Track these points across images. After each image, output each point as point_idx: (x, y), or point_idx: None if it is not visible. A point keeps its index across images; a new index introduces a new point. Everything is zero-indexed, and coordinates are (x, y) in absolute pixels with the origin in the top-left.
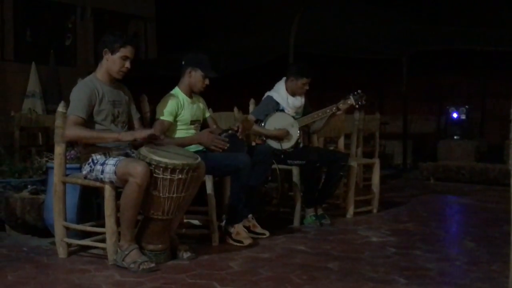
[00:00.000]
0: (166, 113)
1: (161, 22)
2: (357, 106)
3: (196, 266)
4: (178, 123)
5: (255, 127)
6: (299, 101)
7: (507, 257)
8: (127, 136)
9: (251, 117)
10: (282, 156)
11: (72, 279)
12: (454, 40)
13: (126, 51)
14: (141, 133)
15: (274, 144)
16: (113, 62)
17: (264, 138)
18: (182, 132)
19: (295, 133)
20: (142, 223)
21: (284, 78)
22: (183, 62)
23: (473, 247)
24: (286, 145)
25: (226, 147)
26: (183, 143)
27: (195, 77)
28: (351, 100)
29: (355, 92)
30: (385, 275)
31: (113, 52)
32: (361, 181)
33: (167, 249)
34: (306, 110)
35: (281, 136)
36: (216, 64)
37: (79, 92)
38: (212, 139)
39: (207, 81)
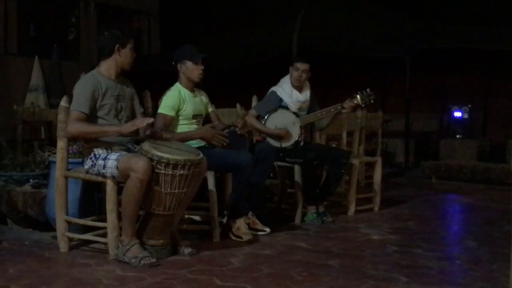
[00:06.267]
0: (167, 107)
1: (165, 18)
2: (363, 105)
3: (197, 262)
4: (180, 118)
5: (256, 124)
6: (304, 96)
7: (508, 257)
8: (128, 127)
9: (252, 111)
10: (281, 154)
11: (73, 273)
12: (457, 38)
13: (133, 41)
14: (142, 121)
15: (273, 141)
16: (126, 55)
17: (264, 135)
18: (184, 126)
19: (296, 131)
20: (144, 218)
21: (289, 74)
22: (173, 63)
23: (474, 246)
24: (286, 143)
25: (226, 143)
26: (185, 138)
27: (187, 68)
28: (357, 100)
29: (364, 91)
30: (385, 273)
31: (124, 46)
32: (363, 179)
33: (168, 244)
34: (312, 105)
35: (281, 136)
36: (218, 60)
37: (82, 88)
38: (214, 134)
39: (201, 66)
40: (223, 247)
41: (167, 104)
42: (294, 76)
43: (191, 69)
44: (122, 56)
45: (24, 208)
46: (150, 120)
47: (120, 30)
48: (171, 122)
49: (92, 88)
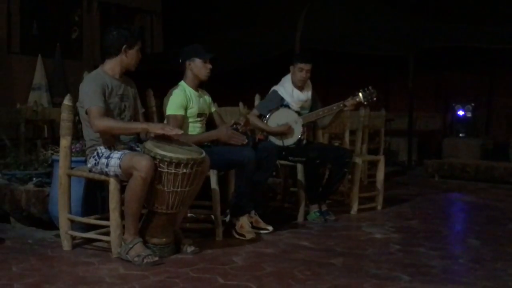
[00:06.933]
0: (177, 107)
1: (168, 16)
2: (365, 103)
3: (199, 260)
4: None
5: (257, 123)
6: (305, 95)
7: (511, 255)
8: (157, 128)
9: (254, 111)
10: (283, 153)
11: (76, 271)
12: (460, 37)
13: (140, 43)
14: (172, 131)
15: (275, 140)
16: (132, 56)
17: (266, 134)
18: (188, 125)
19: (298, 129)
20: (146, 216)
21: (290, 73)
22: (180, 60)
23: (477, 245)
24: (288, 141)
25: (245, 142)
26: (201, 140)
27: (195, 66)
28: (359, 98)
29: (366, 89)
30: (388, 271)
31: (131, 47)
32: (366, 178)
33: (171, 243)
34: (314, 104)
35: (283, 132)
36: (221, 59)
37: (92, 85)
38: (231, 135)
39: (209, 65)
40: (226, 245)
41: (175, 104)
42: (298, 77)
43: (199, 66)
44: (128, 57)
45: (27, 207)
46: (180, 132)
47: (129, 31)
48: (183, 121)
49: (101, 84)
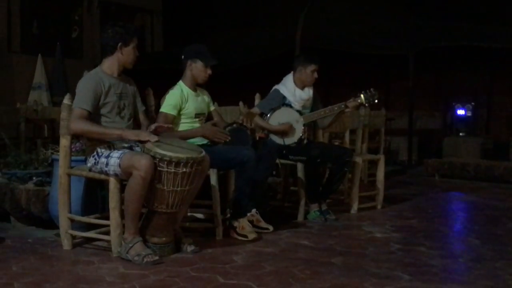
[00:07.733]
0: (169, 106)
1: (168, 15)
2: (367, 105)
3: (199, 259)
4: (183, 117)
5: (259, 121)
6: (307, 93)
7: (511, 255)
8: (131, 135)
9: (255, 109)
10: (284, 151)
11: (76, 270)
12: (461, 36)
13: (136, 40)
14: (145, 137)
15: (276, 139)
16: (128, 54)
17: (267, 132)
18: (186, 125)
19: (299, 129)
20: (146, 216)
21: (292, 72)
22: (182, 57)
23: (477, 244)
24: (289, 140)
25: (228, 140)
26: (186, 136)
27: (196, 68)
28: (361, 99)
29: (367, 90)
30: (388, 271)
31: (127, 44)
32: (366, 177)
33: (171, 242)
34: (315, 103)
35: (284, 131)
36: (221, 58)
37: (85, 85)
38: (215, 131)
39: (209, 70)
40: (226, 244)
41: (169, 103)
42: (310, 78)
43: (200, 69)
44: (124, 55)
45: (27, 206)
46: (155, 138)
47: (124, 29)
48: (173, 121)
49: (95, 85)
